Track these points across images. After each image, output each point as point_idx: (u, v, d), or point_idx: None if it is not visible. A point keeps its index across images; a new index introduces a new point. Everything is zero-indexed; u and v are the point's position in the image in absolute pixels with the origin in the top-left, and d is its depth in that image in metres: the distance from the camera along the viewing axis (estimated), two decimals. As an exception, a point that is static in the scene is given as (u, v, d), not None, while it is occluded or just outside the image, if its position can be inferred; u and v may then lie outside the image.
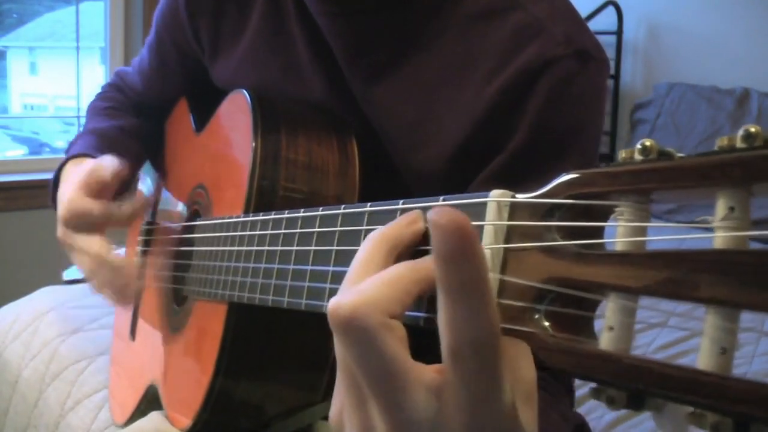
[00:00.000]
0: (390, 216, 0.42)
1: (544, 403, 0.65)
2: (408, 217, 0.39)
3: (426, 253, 0.38)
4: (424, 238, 0.39)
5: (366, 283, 0.36)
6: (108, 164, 0.85)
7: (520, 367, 0.36)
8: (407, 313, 0.37)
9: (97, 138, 1.00)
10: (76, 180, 0.85)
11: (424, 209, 0.38)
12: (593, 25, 3.03)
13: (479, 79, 0.69)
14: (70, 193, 0.85)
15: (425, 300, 0.38)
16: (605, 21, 3.16)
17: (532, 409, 0.37)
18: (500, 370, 0.33)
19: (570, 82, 0.67)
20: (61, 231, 0.86)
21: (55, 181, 0.96)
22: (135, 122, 1.07)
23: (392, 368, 0.34)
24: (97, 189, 0.84)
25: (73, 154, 0.96)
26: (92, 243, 0.83)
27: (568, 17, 0.70)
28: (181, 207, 0.93)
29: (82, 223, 0.84)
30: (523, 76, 0.67)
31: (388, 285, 0.35)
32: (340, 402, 0.38)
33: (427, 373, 0.34)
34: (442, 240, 0.32)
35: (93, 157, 0.94)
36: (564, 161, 0.68)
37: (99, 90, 1.15)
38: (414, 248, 0.39)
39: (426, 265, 0.36)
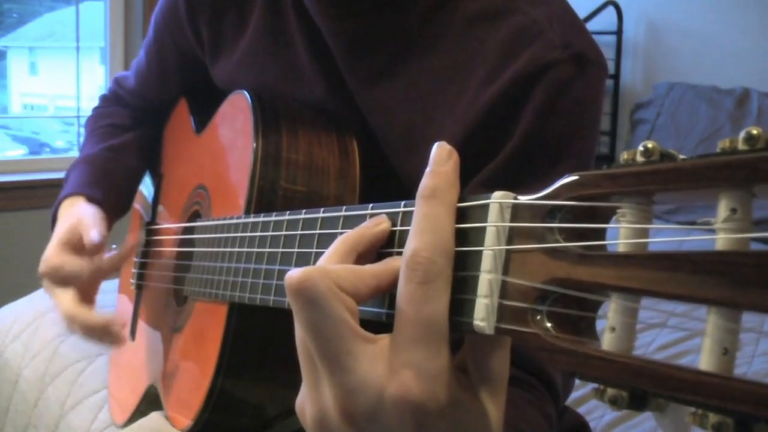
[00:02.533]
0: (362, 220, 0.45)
1: (523, 401, 0.65)
2: (373, 221, 0.43)
3: (390, 254, 0.41)
4: (388, 240, 0.42)
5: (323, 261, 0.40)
6: (88, 222, 0.87)
7: (490, 358, 0.39)
8: (370, 309, 0.41)
9: (89, 167, 1.01)
10: (57, 234, 0.89)
11: (390, 213, 0.42)
12: (593, 25, 3.03)
13: (476, 83, 0.69)
14: (49, 247, 0.89)
15: (387, 298, 0.41)
16: (605, 21, 3.16)
17: (498, 406, 0.39)
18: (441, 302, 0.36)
19: (566, 87, 0.67)
20: (45, 286, 0.89)
21: (54, 217, 0.98)
22: (131, 136, 1.07)
23: (339, 331, 0.36)
24: (78, 245, 0.88)
25: (68, 192, 0.98)
26: (63, 298, 0.86)
27: (566, 21, 0.70)
28: (181, 207, 0.93)
29: (57, 277, 0.87)
30: (519, 81, 0.67)
31: (345, 268, 0.39)
32: (302, 389, 0.40)
33: (373, 336, 0.37)
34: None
35: (86, 195, 0.96)
36: (559, 166, 0.68)
37: (97, 102, 1.14)
38: (378, 248, 0.43)
39: (388, 264, 0.40)
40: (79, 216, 0.90)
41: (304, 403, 0.40)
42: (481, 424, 0.38)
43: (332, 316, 0.36)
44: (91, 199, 0.97)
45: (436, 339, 0.36)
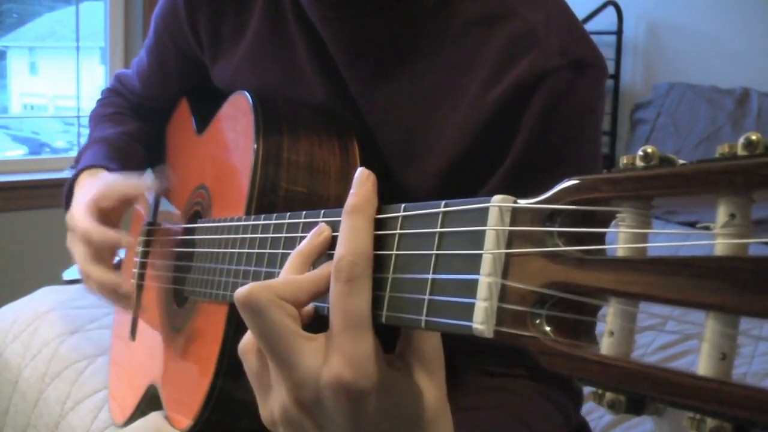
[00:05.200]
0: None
1: (532, 391, 0.66)
2: (316, 231, 0.49)
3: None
4: (331, 244, 0.48)
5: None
6: (119, 187, 0.89)
7: (423, 341, 0.44)
8: (315, 303, 0.47)
9: (106, 146, 1.01)
10: (86, 197, 0.89)
11: (330, 223, 0.49)
12: (593, 25, 3.03)
13: (475, 89, 0.69)
14: (78, 207, 0.89)
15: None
16: (605, 21, 3.16)
17: (436, 385, 0.45)
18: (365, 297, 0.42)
19: (564, 95, 0.66)
20: (68, 238, 0.89)
21: (69, 192, 0.97)
22: (138, 126, 1.07)
23: (282, 334, 0.42)
24: (106, 210, 0.88)
25: (86, 165, 0.97)
26: (81, 253, 0.87)
27: (564, 25, 0.69)
28: (182, 207, 0.93)
29: (80, 237, 0.87)
30: (518, 89, 0.66)
31: (285, 280, 0.45)
32: (261, 401, 0.47)
33: (314, 336, 0.43)
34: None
35: (106, 167, 0.96)
36: (562, 171, 0.67)
37: (99, 96, 1.14)
38: (326, 252, 0.49)
39: (323, 270, 0.45)
40: (111, 182, 0.91)
41: (268, 408, 0.46)
42: (416, 402, 0.43)
43: (276, 323, 0.42)
44: (110, 172, 0.97)
45: (360, 328, 0.41)
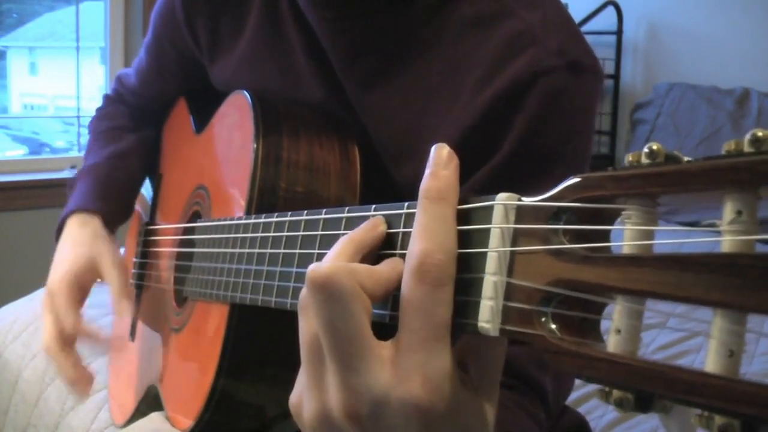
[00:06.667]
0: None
1: (510, 402, 0.66)
2: (370, 223, 0.43)
3: (387, 256, 0.41)
4: (390, 242, 0.43)
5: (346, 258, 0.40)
6: (115, 280, 0.89)
7: (490, 356, 0.39)
8: (374, 311, 0.40)
9: (95, 182, 1.00)
10: (72, 264, 0.89)
11: (390, 215, 0.43)
12: (593, 25, 3.04)
13: (471, 88, 0.68)
14: (59, 271, 0.89)
15: (390, 301, 0.41)
16: (605, 21, 3.16)
17: (493, 405, 0.39)
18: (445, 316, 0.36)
19: (560, 95, 0.66)
20: (44, 300, 0.89)
21: (60, 227, 0.97)
22: (135, 139, 1.06)
23: (356, 332, 0.36)
24: (88, 285, 0.90)
25: (75, 206, 0.97)
26: (49, 329, 0.87)
27: (562, 26, 0.69)
28: (181, 207, 0.93)
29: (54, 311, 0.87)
30: (513, 87, 0.66)
31: (366, 268, 0.39)
32: (300, 385, 0.41)
33: (382, 343, 0.37)
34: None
35: (95, 212, 0.96)
36: (549, 174, 0.66)
37: (100, 101, 1.14)
38: (377, 251, 0.43)
39: (395, 267, 0.39)
40: (99, 260, 0.90)
41: (302, 398, 0.40)
42: (481, 423, 0.39)
43: (353, 316, 0.37)
44: (101, 215, 0.96)
45: (441, 340, 0.36)
